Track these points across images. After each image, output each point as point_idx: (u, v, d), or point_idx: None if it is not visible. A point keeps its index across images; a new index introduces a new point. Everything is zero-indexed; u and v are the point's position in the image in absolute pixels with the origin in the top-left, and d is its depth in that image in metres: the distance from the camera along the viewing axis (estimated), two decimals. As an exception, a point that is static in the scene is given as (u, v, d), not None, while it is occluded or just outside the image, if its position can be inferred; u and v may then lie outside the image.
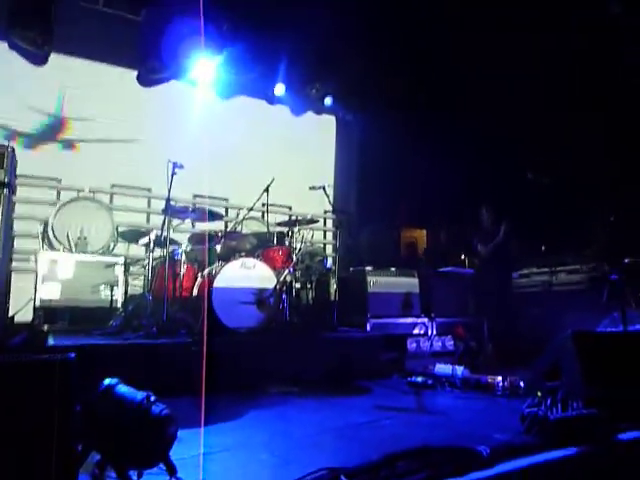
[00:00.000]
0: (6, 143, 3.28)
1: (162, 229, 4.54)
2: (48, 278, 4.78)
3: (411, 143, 7.30)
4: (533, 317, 5.09)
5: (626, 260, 4.48)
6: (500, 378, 3.84)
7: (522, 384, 3.69)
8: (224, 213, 6.78)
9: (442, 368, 4.35)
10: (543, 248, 6.28)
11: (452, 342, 5.28)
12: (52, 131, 5.88)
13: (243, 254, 4.90)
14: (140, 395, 1.93)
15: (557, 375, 2.90)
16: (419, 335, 5.32)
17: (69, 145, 5.95)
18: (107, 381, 2.00)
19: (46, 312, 4.67)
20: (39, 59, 5.74)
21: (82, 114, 6.00)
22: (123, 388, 1.98)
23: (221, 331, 4.34)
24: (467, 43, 6.29)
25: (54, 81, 5.90)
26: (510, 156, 6.62)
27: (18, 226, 5.33)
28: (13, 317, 4.81)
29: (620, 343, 3.18)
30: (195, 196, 6.47)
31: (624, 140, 6.10)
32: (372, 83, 7.37)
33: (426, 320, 5.59)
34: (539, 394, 2.70)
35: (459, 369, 4.18)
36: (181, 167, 4.38)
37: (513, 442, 2.38)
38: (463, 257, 7.03)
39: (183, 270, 4.76)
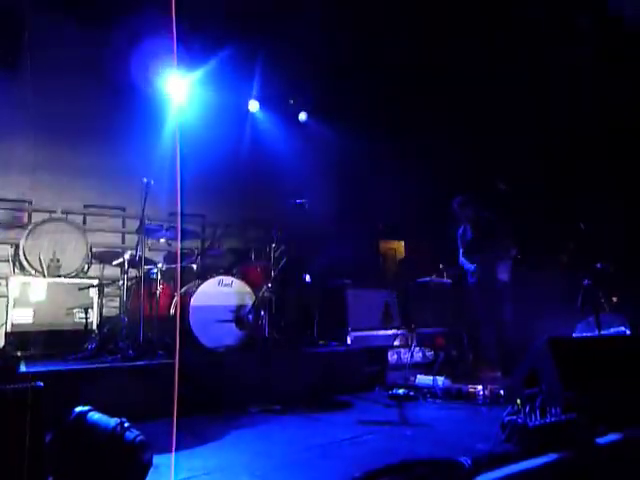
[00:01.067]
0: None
1: (137, 249, 4.48)
2: (20, 303, 4.65)
3: (388, 157, 7.39)
4: (510, 324, 5.14)
5: (598, 265, 4.58)
6: (480, 387, 3.86)
7: (502, 392, 3.72)
8: (201, 230, 6.73)
9: (423, 379, 4.36)
10: (516, 254, 6.36)
11: (432, 352, 5.30)
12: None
13: (221, 271, 4.86)
14: (113, 421, 1.88)
15: (535, 381, 2.92)
16: (400, 346, 5.31)
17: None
18: (78, 409, 1.94)
19: (18, 337, 4.53)
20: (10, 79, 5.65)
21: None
22: (95, 415, 1.93)
23: (199, 350, 4.27)
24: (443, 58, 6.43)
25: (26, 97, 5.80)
26: (482, 167, 6.74)
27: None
28: (-17, 344, 4.66)
29: (595, 347, 3.23)
30: (170, 214, 6.40)
31: (591, 146, 6.29)
32: (346, 99, 7.44)
33: (406, 331, 5.60)
34: (518, 401, 2.71)
35: (440, 379, 4.19)
36: (152, 185, 4.34)
37: (494, 451, 2.38)
38: (441, 267, 7.08)
39: (159, 290, 4.69)
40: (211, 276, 4.63)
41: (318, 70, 7.07)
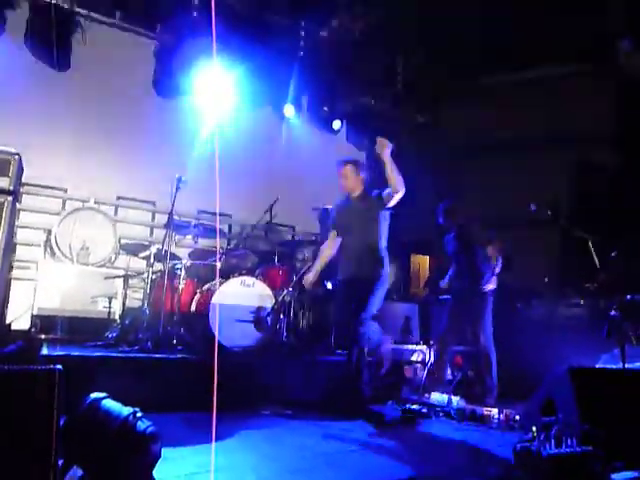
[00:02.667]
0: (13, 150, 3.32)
1: (164, 243, 4.56)
2: (47, 287, 4.79)
3: (421, 170, 7.33)
4: (532, 349, 5.02)
5: (628, 297, 4.44)
6: (496, 410, 3.79)
7: (518, 417, 3.63)
8: (227, 230, 6.81)
9: (438, 397, 4.30)
10: (546, 279, 6.22)
11: (449, 371, 5.21)
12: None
13: (243, 272, 4.90)
14: (126, 411, 1.91)
15: (553, 410, 2.84)
16: (417, 362, 5.25)
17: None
18: (93, 395, 1.99)
19: (43, 321, 4.66)
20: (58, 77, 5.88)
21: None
22: (109, 403, 1.96)
23: (216, 349, 4.31)
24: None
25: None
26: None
27: (22, 234, 5.36)
28: (10, 324, 4.80)
29: (618, 380, 3.13)
30: (199, 212, 6.49)
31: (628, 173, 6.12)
32: (382, 110, 7.44)
33: (424, 347, 5.53)
34: (534, 429, 2.64)
35: (455, 399, 4.13)
36: (185, 182, 4.42)
37: (504, 476, 2.33)
38: None
39: (182, 285, 4.76)
40: (234, 276, 4.68)
41: (353, 78, 7.10)
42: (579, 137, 6.60)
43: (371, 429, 3.48)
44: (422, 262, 8.45)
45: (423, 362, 5.30)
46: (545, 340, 4.97)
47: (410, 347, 5.59)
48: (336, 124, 8.04)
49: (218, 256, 5.33)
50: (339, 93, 7.51)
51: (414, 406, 4.02)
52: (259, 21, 6.24)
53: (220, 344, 4.32)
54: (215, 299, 4.40)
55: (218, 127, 6.36)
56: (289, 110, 7.67)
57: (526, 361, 4.95)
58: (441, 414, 3.97)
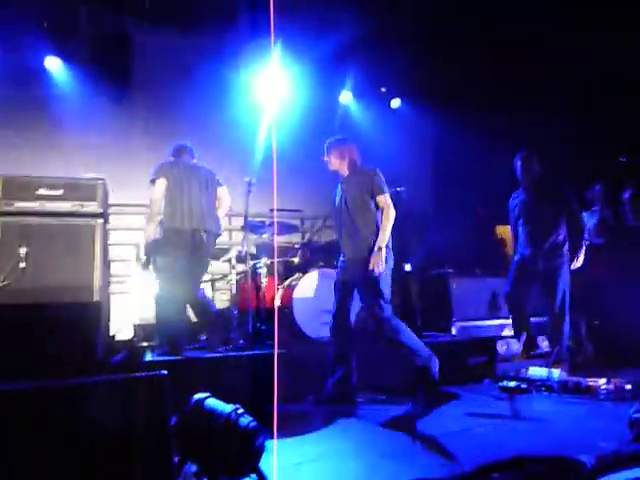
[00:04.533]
0: (97, 176, 3.58)
1: (242, 245, 4.71)
2: (144, 297, 5.12)
3: (492, 141, 7.01)
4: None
5: None
6: (603, 381, 3.56)
7: (629, 387, 3.40)
8: (300, 224, 6.91)
9: (536, 371, 4.10)
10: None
11: (546, 342, 4.97)
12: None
13: (321, 264, 4.95)
14: (229, 408, 2.01)
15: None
16: (509, 337, 5.05)
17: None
18: (197, 395, 2.10)
19: (143, 329, 4.99)
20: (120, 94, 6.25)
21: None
22: (212, 401, 2.07)
23: (303, 341, 4.41)
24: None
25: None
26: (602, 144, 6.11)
27: (114, 251, 5.76)
28: (114, 336, 5.19)
29: None
30: (271, 210, 6.63)
31: None
32: (440, 82, 7.18)
33: (516, 321, 5.31)
34: (649, 397, 2.47)
35: (555, 372, 3.93)
36: (255, 184, 4.52)
37: (621, 451, 2.19)
38: None
39: (264, 283, 4.90)
40: (312, 269, 4.74)
41: (411, 54, 6.90)
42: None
43: (468, 410, 3.40)
44: (504, 232, 8.09)
45: (516, 336, 5.10)
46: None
47: (499, 322, 5.40)
48: (395, 103, 7.89)
49: (294, 251, 5.44)
50: (396, 72, 7.34)
51: (512, 383, 3.88)
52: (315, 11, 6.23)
53: (307, 335, 4.42)
54: (297, 293, 4.49)
55: (276, 123, 6.45)
56: (346, 96, 7.63)
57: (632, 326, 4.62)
58: (542, 388, 3.80)
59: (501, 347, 4.75)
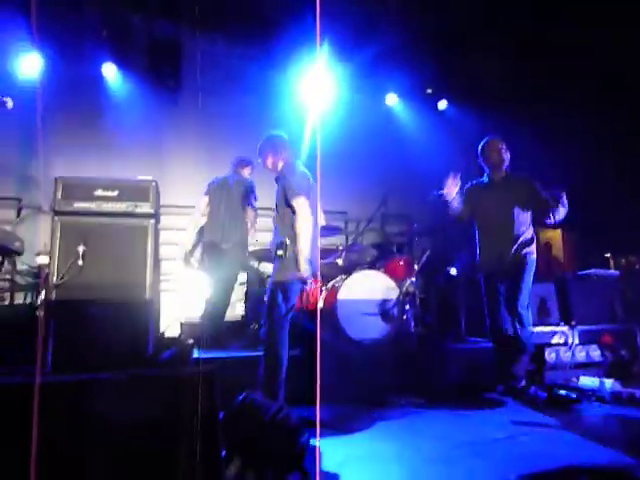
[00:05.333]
0: (150, 178, 3.71)
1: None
2: (190, 296, 5.28)
3: (539, 140, 6.83)
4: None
5: None
6: (659, 392, 3.41)
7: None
8: (343, 226, 6.93)
9: (588, 381, 3.97)
10: None
11: (598, 352, 4.78)
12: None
13: (365, 266, 4.96)
14: (274, 406, 2.06)
15: None
16: (558, 345, 4.89)
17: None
18: (244, 393, 2.16)
19: (190, 327, 5.14)
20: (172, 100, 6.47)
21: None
22: (258, 399, 2.12)
23: (346, 342, 4.42)
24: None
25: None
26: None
27: (164, 250, 5.96)
28: (164, 333, 5.37)
29: None
30: (315, 212, 6.69)
31: None
32: (487, 82, 7.06)
33: (566, 328, 5.13)
34: None
35: (608, 382, 3.78)
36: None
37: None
38: (608, 256, 6.36)
39: (309, 284, 4.95)
40: (356, 271, 4.75)
41: (457, 56, 6.82)
42: None
43: (514, 417, 3.33)
44: (554, 236, 7.84)
45: (565, 344, 4.93)
46: None
47: (549, 329, 5.23)
48: (442, 104, 7.80)
49: (338, 253, 5.46)
50: (441, 73, 7.26)
51: (562, 391, 3.76)
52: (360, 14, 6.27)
53: (350, 337, 4.43)
54: (341, 295, 4.51)
55: (322, 126, 6.50)
56: (392, 99, 7.61)
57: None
58: (593, 398, 3.67)
59: (549, 355, 4.61)
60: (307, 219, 3.21)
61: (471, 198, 4.16)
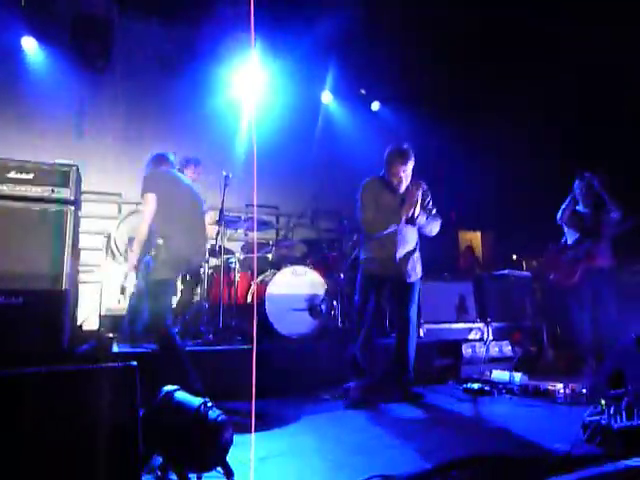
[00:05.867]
0: (70, 162, 3.49)
1: (217, 239, 4.70)
2: (110, 288, 5.05)
3: (462, 144, 7.18)
4: (597, 320, 4.84)
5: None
6: (561, 385, 3.70)
7: (585, 391, 3.54)
8: (275, 221, 6.92)
9: (499, 374, 4.24)
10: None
11: (509, 347, 5.12)
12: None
13: (295, 261, 4.98)
14: (197, 401, 2.02)
15: (621, 382, 2.76)
16: (475, 340, 5.18)
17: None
18: (166, 388, 2.10)
19: (110, 320, 4.92)
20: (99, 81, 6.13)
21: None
22: (181, 394, 2.07)
23: (274, 337, 4.43)
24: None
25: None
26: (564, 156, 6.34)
27: (84, 240, 5.66)
28: (81, 325, 5.10)
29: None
30: (247, 205, 6.62)
31: None
32: (419, 87, 7.31)
33: (482, 325, 5.45)
34: (602, 402, 2.58)
35: (517, 375, 4.06)
36: (231, 179, 4.51)
37: (574, 452, 2.29)
38: (516, 258, 6.83)
39: (237, 278, 4.90)
40: (285, 266, 4.76)
41: (391, 59, 6.99)
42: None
43: (431, 409, 3.49)
44: (474, 238, 8.29)
45: (481, 339, 5.23)
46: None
47: (467, 326, 5.52)
48: (375, 105, 7.98)
49: (269, 248, 5.44)
50: (376, 74, 7.43)
51: (475, 385, 3.99)
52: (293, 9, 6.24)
53: (278, 332, 4.44)
54: (269, 289, 4.50)
55: (256, 120, 6.44)
56: (327, 96, 7.67)
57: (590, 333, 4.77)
58: (504, 391, 3.92)
59: (466, 350, 4.87)
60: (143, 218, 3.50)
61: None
